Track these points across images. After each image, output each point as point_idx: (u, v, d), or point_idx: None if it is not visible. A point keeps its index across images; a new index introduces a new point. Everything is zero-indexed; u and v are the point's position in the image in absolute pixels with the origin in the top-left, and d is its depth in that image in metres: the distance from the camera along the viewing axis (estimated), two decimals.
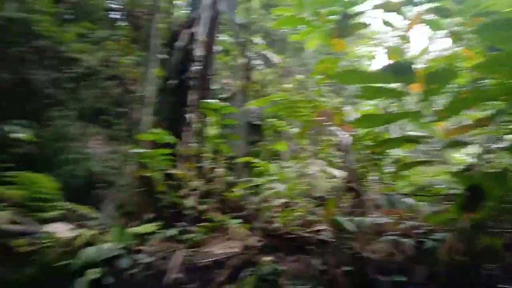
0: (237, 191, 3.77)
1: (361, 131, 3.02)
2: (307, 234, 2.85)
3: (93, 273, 2.47)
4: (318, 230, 2.83)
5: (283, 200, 3.27)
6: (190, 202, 3.61)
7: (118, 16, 9.50)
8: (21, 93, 9.20)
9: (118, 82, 9.07)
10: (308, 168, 4.02)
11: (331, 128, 3.20)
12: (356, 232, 2.41)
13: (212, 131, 3.98)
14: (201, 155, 4.11)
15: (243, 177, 4.06)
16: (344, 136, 3.10)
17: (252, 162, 3.81)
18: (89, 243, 2.76)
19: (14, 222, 2.95)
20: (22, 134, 4.97)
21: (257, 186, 3.95)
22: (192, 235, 3.08)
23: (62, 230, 2.88)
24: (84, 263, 2.54)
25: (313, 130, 3.66)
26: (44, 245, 2.66)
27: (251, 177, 3.73)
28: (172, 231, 3.12)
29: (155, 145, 3.74)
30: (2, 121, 8.75)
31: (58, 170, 6.98)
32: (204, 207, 3.64)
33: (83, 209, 3.07)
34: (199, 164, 4.13)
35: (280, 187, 3.21)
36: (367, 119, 2.28)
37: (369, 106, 3.97)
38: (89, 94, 11.32)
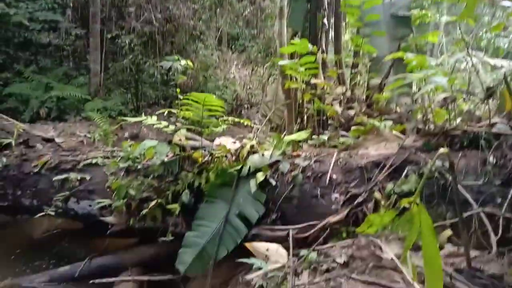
0: (386, 93, 3.56)
1: None
2: (476, 129, 2.55)
3: (260, 176, 2.79)
4: (491, 124, 2.49)
5: (442, 96, 2.93)
6: (336, 108, 3.60)
7: None
8: (169, 30, 10.26)
9: (248, 1, 9.12)
10: (467, 60, 3.47)
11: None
12: None
13: (352, 31, 3.71)
14: (342, 60, 3.94)
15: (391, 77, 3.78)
16: None
17: (402, 59, 3.46)
18: (253, 152, 3.08)
19: (189, 138, 3.47)
20: (178, 66, 5.59)
21: (408, 85, 3.64)
22: (344, 139, 3.11)
23: (228, 143, 3.27)
24: (251, 168, 2.88)
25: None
26: (218, 155, 3.10)
27: (401, 76, 3.42)
28: (324, 137, 3.21)
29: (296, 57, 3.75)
30: (159, 57, 10.01)
31: None
32: (351, 112, 3.58)
33: (245, 121, 3.38)
34: (341, 70, 4.01)
35: (438, 82, 2.86)
36: None
37: None
38: (223, 21, 11.83)
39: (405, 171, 2.52)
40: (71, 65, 11.45)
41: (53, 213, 3.56)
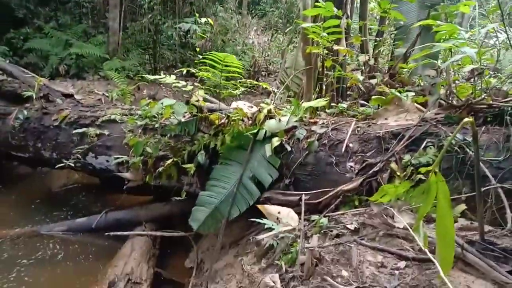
0: (410, 63, 3.44)
1: None
2: (502, 104, 2.46)
3: (276, 141, 2.78)
4: None
5: (470, 68, 2.81)
6: (357, 77, 3.51)
7: None
8: None
9: None
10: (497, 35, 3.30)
11: None
12: None
13: None
14: (367, 26, 3.79)
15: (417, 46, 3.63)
16: None
17: (430, 28, 3.31)
18: (269, 117, 3.06)
19: (206, 100, 3.46)
20: (197, 28, 5.50)
21: (434, 57, 3.50)
22: (364, 108, 3.05)
23: (245, 107, 3.25)
24: (267, 132, 2.87)
25: None
26: (234, 118, 3.09)
27: (428, 45, 3.29)
28: (343, 105, 3.15)
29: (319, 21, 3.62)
30: (178, 19, 9.84)
31: None
32: (373, 82, 3.49)
33: (264, 85, 3.34)
34: (365, 38, 3.87)
35: (466, 53, 2.74)
36: None
37: None
38: None
39: (424, 143, 2.48)
40: (90, 23, 11.38)
41: (72, 164, 3.65)
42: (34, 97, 4.29)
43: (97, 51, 9.69)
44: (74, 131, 3.77)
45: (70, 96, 4.74)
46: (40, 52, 9.49)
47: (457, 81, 4.07)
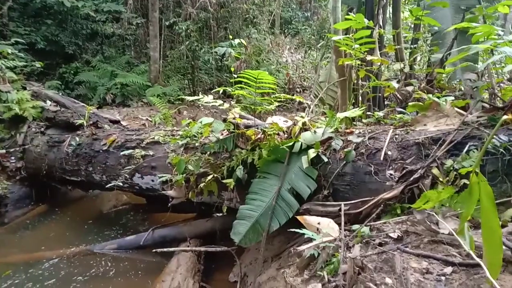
0: (448, 68, 3.36)
1: None
2: None
3: (312, 153, 2.80)
4: None
5: (511, 67, 2.71)
6: (393, 85, 3.47)
7: None
8: (223, 16, 10.43)
9: None
10: None
11: None
12: None
13: (411, 5, 3.52)
14: (401, 34, 3.77)
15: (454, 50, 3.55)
16: None
17: (466, 32, 3.24)
18: (304, 129, 3.10)
19: (242, 117, 3.57)
20: (232, 51, 5.71)
21: (473, 59, 3.40)
22: (401, 115, 3.01)
23: (281, 121, 3.31)
24: (303, 145, 2.91)
25: None
26: (270, 132, 3.16)
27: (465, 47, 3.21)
28: (379, 114, 3.12)
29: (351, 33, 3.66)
30: (213, 43, 10.20)
31: None
32: (410, 89, 3.44)
33: (298, 98, 3.39)
34: (399, 46, 3.84)
35: (507, 52, 2.64)
36: None
37: None
38: (276, 4, 11.76)
39: (467, 147, 2.40)
40: (132, 53, 12.13)
41: (121, 184, 3.87)
42: (85, 124, 4.63)
43: (140, 80, 10.27)
44: (121, 153, 4.01)
45: (117, 122, 5.07)
46: (88, 84, 10.22)
47: (501, 84, 3.91)
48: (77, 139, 4.56)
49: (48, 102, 5.22)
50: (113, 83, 10.07)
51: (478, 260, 1.46)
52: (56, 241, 4.21)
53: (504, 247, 1.58)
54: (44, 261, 3.76)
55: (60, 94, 7.25)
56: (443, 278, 1.62)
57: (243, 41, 3.60)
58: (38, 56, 8.85)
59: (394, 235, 2.15)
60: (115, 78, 10.21)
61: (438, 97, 2.99)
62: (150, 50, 10.81)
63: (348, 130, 3.01)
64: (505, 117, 1.37)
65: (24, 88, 5.41)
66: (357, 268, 1.89)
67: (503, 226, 1.97)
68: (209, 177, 3.19)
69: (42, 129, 5.10)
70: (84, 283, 3.40)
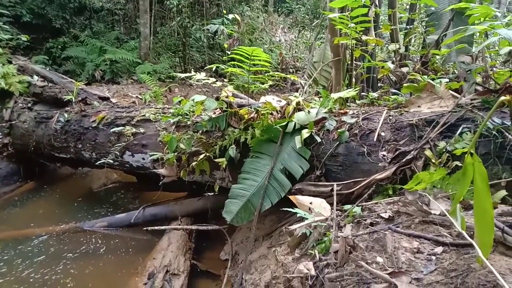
0: (443, 49, 3.33)
1: None
2: None
3: (306, 133, 2.79)
4: None
5: (507, 50, 2.69)
6: (388, 66, 3.44)
7: None
8: None
9: None
10: None
11: None
12: None
13: None
14: (396, 14, 3.71)
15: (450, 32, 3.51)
16: None
17: (463, 13, 3.20)
18: (298, 109, 3.07)
19: (235, 96, 3.51)
20: (224, 28, 5.59)
21: (468, 42, 3.38)
22: (395, 97, 2.99)
23: (274, 101, 3.27)
24: (297, 125, 2.88)
25: None
26: (263, 112, 3.12)
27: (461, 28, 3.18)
28: (374, 95, 3.10)
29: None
30: (205, 21, 10.00)
31: None
32: (404, 70, 3.42)
33: (292, 77, 3.34)
34: (394, 26, 3.78)
35: (504, 34, 2.62)
36: None
37: None
38: None
39: (460, 129, 2.40)
40: (122, 29, 11.82)
41: (111, 162, 3.82)
42: (74, 100, 4.53)
43: (130, 56, 10.05)
44: (111, 131, 3.94)
45: (106, 99, 4.95)
46: (77, 60, 9.97)
47: (494, 68, 3.91)
48: (66, 115, 4.46)
49: (35, 77, 5.06)
50: (102, 59, 9.84)
51: (470, 240, 1.48)
52: (45, 218, 4.17)
53: (494, 228, 1.59)
54: (33, 238, 3.73)
55: (48, 69, 7.06)
56: (433, 257, 1.64)
57: (237, 16, 3.51)
58: (24, 30, 8.54)
59: (385, 215, 2.17)
60: (104, 54, 9.97)
61: (433, 79, 2.97)
62: (140, 26, 10.53)
63: (342, 111, 2.99)
64: (502, 98, 1.35)
65: (10, 62, 5.23)
66: (349, 247, 1.91)
67: (493, 208, 1.99)
68: (201, 156, 3.16)
69: (29, 105, 4.97)
70: (74, 259, 3.39)
